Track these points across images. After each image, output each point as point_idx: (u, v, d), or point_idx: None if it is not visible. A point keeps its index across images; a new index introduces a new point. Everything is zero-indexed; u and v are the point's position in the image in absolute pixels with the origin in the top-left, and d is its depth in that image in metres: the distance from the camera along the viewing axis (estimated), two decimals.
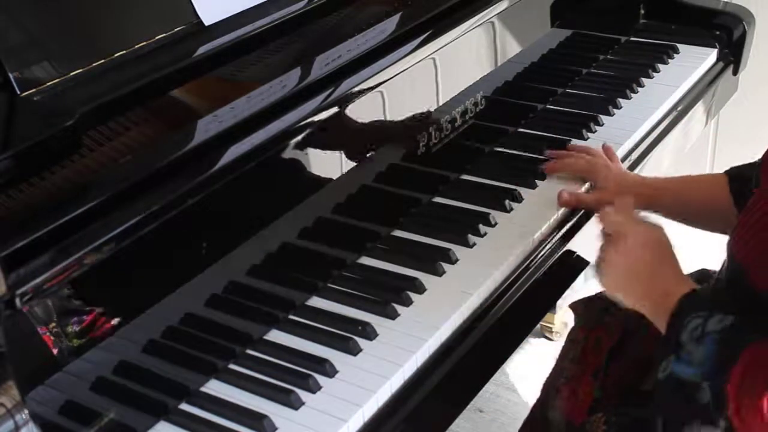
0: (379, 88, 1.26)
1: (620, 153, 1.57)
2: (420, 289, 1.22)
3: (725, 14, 1.88)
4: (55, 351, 0.92)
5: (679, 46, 1.88)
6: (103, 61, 1.09)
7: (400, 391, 1.09)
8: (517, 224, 1.36)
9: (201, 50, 1.18)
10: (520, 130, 1.63)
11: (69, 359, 0.93)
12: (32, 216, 0.92)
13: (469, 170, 1.49)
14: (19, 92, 1.02)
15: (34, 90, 1.03)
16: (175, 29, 1.17)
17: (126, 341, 0.99)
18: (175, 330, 1.05)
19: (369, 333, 1.14)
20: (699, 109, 1.78)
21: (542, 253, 1.33)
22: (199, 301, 1.08)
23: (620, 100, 1.70)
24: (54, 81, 1.05)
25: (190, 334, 1.07)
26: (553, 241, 1.36)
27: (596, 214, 1.28)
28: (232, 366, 1.11)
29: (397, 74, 1.29)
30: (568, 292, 1.47)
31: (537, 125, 1.64)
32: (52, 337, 0.92)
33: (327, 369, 1.09)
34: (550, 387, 1.38)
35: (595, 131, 1.62)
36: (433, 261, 1.26)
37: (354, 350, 1.12)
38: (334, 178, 1.23)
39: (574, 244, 1.39)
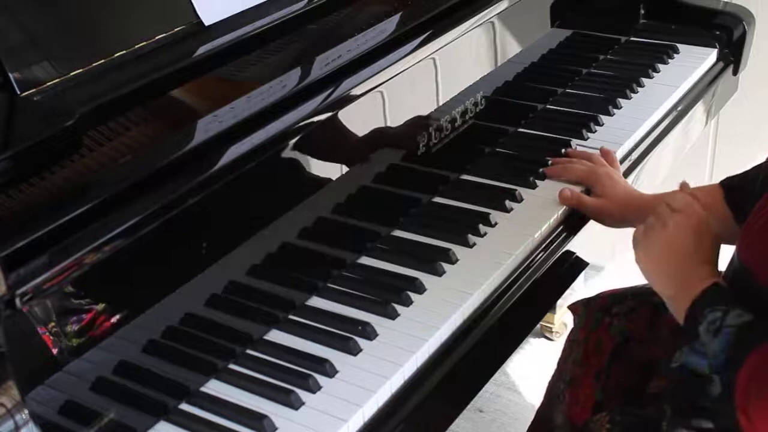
0: (379, 88, 1.26)
1: (620, 153, 1.57)
2: (420, 289, 1.22)
3: (725, 14, 1.88)
4: (55, 351, 0.92)
5: (679, 46, 1.88)
6: (103, 61, 1.09)
7: (400, 391, 1.09)
8: (517, 224, 1.36)
9: (201, 50, 1.18)
10: (520, 130, 1.63)
11: (69, 359, 0.93)
12: (32, 216, 0.92)
13: (469, 170, 1.49)
14: (19, 92, 1.02)
15: (34, 90, 1.03)
16: (175, 29, 1.17)
17: (126, 341, 0.99)
18: (175, 330, 1.05)
19: (369, 333, 1.14)
20: (699, 109, 1.78)
21: (542, 253, 1.33)
22: (199, 301, 1.08)
23: (620, 100, 1.70)
24: (54, 81, 1.05)
25: (190, 334, 1.07)
26: (553, 241, 1.36)
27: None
28: (232, 366, 1.11)
29: (397, 74, 1.29)
30: (568, 292, 1.47)
31: (537, 125, 1.64)
32: (51, 337, 0.92)
33: (327, 369, 1.09)
34: (553, 390, 1.38)
35: (595, 131, 1.62)
36: (433, 261, 1.26)
37: (354, 350, 1.12)
38: (334, 178, 1.23)
39: (574, 245, 1.40)
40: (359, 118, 1.25)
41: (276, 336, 1.16)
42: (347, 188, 1.26)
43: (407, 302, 1.20)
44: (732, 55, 1.88)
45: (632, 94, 1.73)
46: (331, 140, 1.22)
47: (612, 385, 1.29)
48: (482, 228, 1.34)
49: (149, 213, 0.98)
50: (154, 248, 1.01)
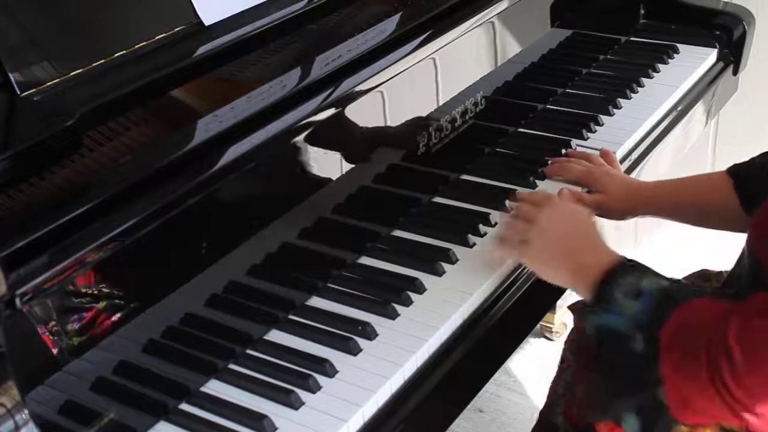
0: (379, 88, 1.26)
1: (620, 153, 1.57)
2: (420, 289, 1.22)
3: (725, 14, 1.88)
4: (55, 351, 0.92)
5: (679, 46, 1.88)
6: (103, 61, 1.09)
7: (400, 391, 1.09)
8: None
9: (201, 50, 1.18)
10: (520, 130, 1.63)
11: (69, 359, 0.93)
12: (32, 216, 0.92)
13: (469, 170, 1.49)
14: (19, 92, 1.02)
15: (34, 90, 1.03)
16: (175, 29, 1.17)
17: (126, 341, 0.99)
18: (175, 330, 1.05)
19: (369, 333, 1.14)
20: (699, 109, 1.78)
21: None
22: (199, 301, 1.08)
23: (620, 100, 1.70)
24: (54, 81, 1.05)
25: (190, 334, 1.07)
26: None
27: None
28: (232, 366, 1.11)
29: (397, 74, 1.29)
30: (568, 292, 1.47)
31: (537, 125, 1.64)
32: (52, 337, 0.92)
33: (327, 369, 1.09)
34: (554, 391, 1.38)
35: (595, 131, 1.62)
36: (433, 261, 1.26)
37: (354, 350, 1.12)
38: (334, 179, 1.23)
39: None
40: (359, 118, 1.25)
41: (276, 336, 1.16)
42: (347, 188, 1.26)
43: (407, 302, 1.20)
44: (732, 55, 1.88)
45: (632, 94, 1.73)
46: (331, 140, 1.22)
47: None
48: (482, 228, 1.34)
49: (149, 213, 0.98)
50: (154, 248, 1.01)
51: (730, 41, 1.87)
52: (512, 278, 1.28)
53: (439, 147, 1.41)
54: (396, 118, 1.32)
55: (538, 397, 1.47)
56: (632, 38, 1.94)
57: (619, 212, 1.40)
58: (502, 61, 1.53)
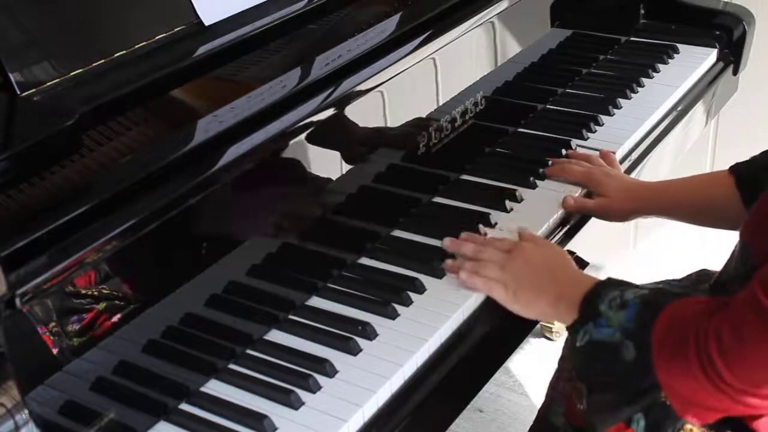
0: (379, 88, 1.26)
1: (620, 153, 1.57)
2: (420, 289, 1.22)
3: (725, 14, 1.88)
4: (55, 351, 0.92)
5: (679, 46, 1.88)
6: (103, 61, 1.09)
7: (400, 391, 1.09)
8: (518, 224, 1.36)
9: (201, 50, 1.18)
10: (520, 130, 1.63)
11: (69, 359, 0.93)
12: (32, 216, 0.92)
13: (469, 170, 1.49)
14: (19, 92, 1.02)
15: (34, 90, 1.03)
16: (175, 29, 1.17)
17: (126, 341, 0.99)
18: (175, 330, 1.05)
19: (369, 333, 1.14)
20: (699, 109, 1.78)
21: None
22: (199, 301, 1.08)
23: (620, 100, 1.70)
24: (54, 81, 1.05)
25: (190, 334, 1.07)
26: (553, 241, 1.36)
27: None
28: (232, 366, 1.11)
29: (397, 74, 1.29)
30: None
31: (537, 125, 1.64)
32: (52, 337, 0.92)
33: (327, 369, 1.09)
34: (553, 391, 1.38)
35: (595, 131, 1.62)
36: (433, 262, 1.26)
37: (354, 350, 1.12)
38: (334, 179, 1.23)
39: (574, 245, 1.40)
40: (359, 118, 1.25)
41: (276, 336, 1.16)
42: (347, 188, 1.26)
43: (407, 302, 1.20)
44: (732, 55, 1.88)
45: (632, 94, 1.73)
46: (331, 140, 1.22)
47: None
48: (482, 228, 1.34)
49: (149, 213, 0.98)
50: (154, 248, 1.01)
51: (730, 41, 1.87)
52: None
53: (439, 147, 1.41)
54: (396, 118, 1.32)
55: (538, 397, 1.47)
56: (632, 38, 1.94)
57: (621, 214, 1.40)
58: (502, 61, 1.53)
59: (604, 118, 1.65)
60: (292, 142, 1.15)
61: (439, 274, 1.24)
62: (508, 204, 1.40)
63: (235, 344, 1.13)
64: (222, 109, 1.11)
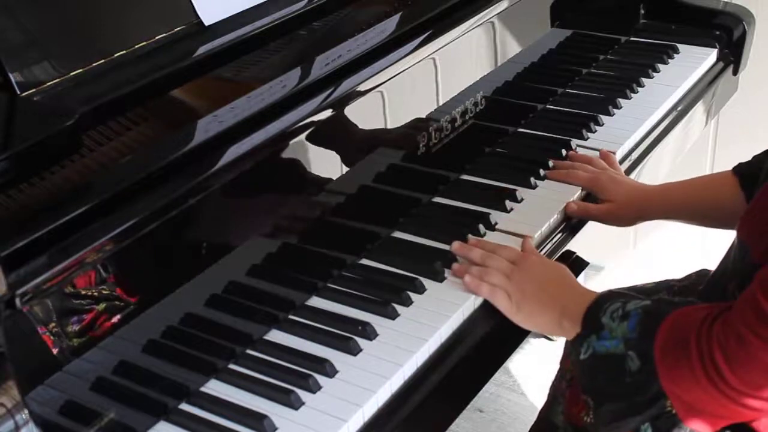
0: (379, 88, 1.26)
1: (620, 153, 1.57)
2: (420, 289, 1.22)
3: (725, 14, 1.88)
4: (55, 351, 0.92)
5: (679, 46, 1.88)
6: (103, 61, 1.09)
7: (400, 391, 1.09)
8: (518, 224, 1.36)
9: (201, 50, 1.18)
10: (520, 130, 1.63)
11: (69, 359, 0.93)
12: (32, 216, 0.92)
13: (469, 170, 1.49)
14: (19, 92, 1.02)
15: (34, 90, 1.03)
16: (175, 29, 1.17)
17: (126, 341, 0.99)
18: (175, 330, 1.05)
19: (369, 333, 1.14)
20: (699, 109, 1.78)
21: (542, 253, 1.33)
22: (199, 301, 1.08)
23: (620, 100, 1.70)
24: (54, 81, 1.05)
25: (190, 334, 1.07)
26: (553, 241, 1.37)
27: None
28: (232, 366, 1.11)
29: (397, 74, 1.29)
30: None
31: (537, 125, 1.64)
32: (52, 337, 0.92)
33: (327, 369, 1.09)
34: (555, 390, 1.38)
35: (595, 131, 1.62)
36: (433, 262, 1.26)
37: (354, 350, 1.12)
38: (334, 179, 1.23)
39: (574, 245, 1.40)
40: (359, 118, 1.25)
41: (276, 336, 1.16)
42: (347, 188, 1.26)
43: (407, 302, 1.20)
44: (732, 55, 1.88)
45: (632, 94, 1.73)
46: (331, 140, 1.22)
47: None
48: (482, 229, 1.34)
49: (149, 213, 0.98)
50: (154, 248, 1.01)
51: (730, 41, 1.87)
52: None
53: (439, 147, 1.41)
54: (396, 118, 1.32)
55: (538, 397, 1.47)
56: (632, 38, 1.94)
57: (627, 219, 1.40)
58: (502, 61, 1.53)
59: (604, 118, 1.65)
60: (292, 142, 1.15)
61: (439, 275, 1.24)
62: (508, 204, 1.40)
63: (235, 344, 1.13)
64: (222, 109, 1.11)
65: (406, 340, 1.14)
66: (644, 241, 2.53)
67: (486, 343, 1.19)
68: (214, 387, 1.09)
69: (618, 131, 1.62)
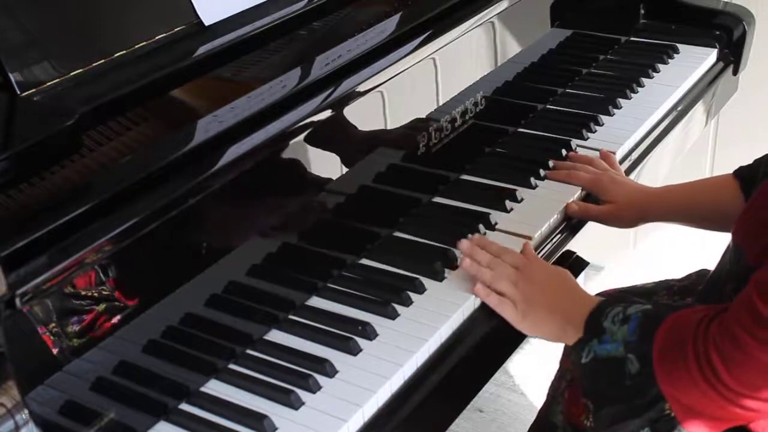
0: (379, 88, 1.26)
1: (620, 153, 1.57)
2: (420, 289, 1.22)
3: (725, 14, 1.88)
4: (55, 351, 0.92)
5: (679, 46, 1.88)
6: (103, 61, 1.09)
7: (400, 391, 1.09)
8: (518, 224, 1.36)
9: (201, 50, 1.18)
10: (520, 130, 1.63)
11: (69, 359, 0.93)
12: (32, 216, 0.92)
13: (469, 170, 1.49)
14: (19, 92, 1.02)
15: (34, 90, 1.03)
16: (175, 29, 1.17)
17: (126, 341, 0.99)
18: (175, 330, 1.05)
19: (369, 333, 1.14)
20: (699, 109, 1.78)
21: (542, 253, 1.33)
22: (199, 301, 1.08)
23: (620, 100, 1.70)
24: (54, 81, 1.05)
25: (190, 334, 1.07)
26: (554, 241, 1.37)
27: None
28: (232, 366, 1.11)
29: (397, 74, 1.29)
30: None
31: (537, 125, 1.64)
32: (52, 337, 0.92)
33: (327, 369, 1.09)
34: (555, 390, 1.38)
35: (595, 131, 1.62)
36: (433, 262, 1.26)
37: (354, 350, 1.12)
38: (334, 179, 1.23)
39: (574, 245, 1.40)
40: (359, 118, 1.25)
41: (276, 336, 1.16)
42: (347, 188, 1.26)
43: (407, 302, 1.20)
44: (732, 55, 1.88)
45: (632, 94, 1.73)
46: (331, 140, 1.22)
47: None
48: (482, 229, 1.34)
49: (149, 213, 0.98)
50: (154, 248, 1.01)
51: (730, 41, 1.87)
52: None
53: (439, 147, 1.41)
54: (396, 118, 1.32)
55: (538, 397, 1.47)
56: (632, 38, 1.94)
57: (628, 220, 1.41)
58: (502, 61, 1.53)
59: (604, 118, 1.65)
60: (292, 142, 1.15)
61: (439, 275, 1.24)
62: (508, 204, 1.40)
63: (235, 344, 1.13)
64: (222, 109, 1.11)
65: (406, 340, 1.14)
66: (644, 241, 2.53)
67: (486, 343, 1.19)
68: (214, 387, 1.09)
69: (618, 131, 1.62)
